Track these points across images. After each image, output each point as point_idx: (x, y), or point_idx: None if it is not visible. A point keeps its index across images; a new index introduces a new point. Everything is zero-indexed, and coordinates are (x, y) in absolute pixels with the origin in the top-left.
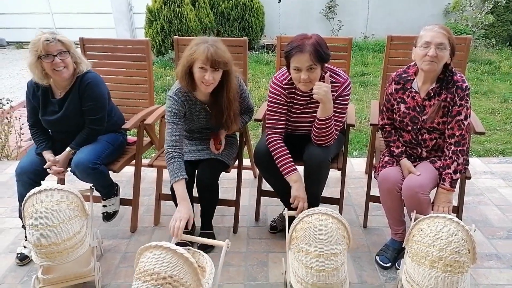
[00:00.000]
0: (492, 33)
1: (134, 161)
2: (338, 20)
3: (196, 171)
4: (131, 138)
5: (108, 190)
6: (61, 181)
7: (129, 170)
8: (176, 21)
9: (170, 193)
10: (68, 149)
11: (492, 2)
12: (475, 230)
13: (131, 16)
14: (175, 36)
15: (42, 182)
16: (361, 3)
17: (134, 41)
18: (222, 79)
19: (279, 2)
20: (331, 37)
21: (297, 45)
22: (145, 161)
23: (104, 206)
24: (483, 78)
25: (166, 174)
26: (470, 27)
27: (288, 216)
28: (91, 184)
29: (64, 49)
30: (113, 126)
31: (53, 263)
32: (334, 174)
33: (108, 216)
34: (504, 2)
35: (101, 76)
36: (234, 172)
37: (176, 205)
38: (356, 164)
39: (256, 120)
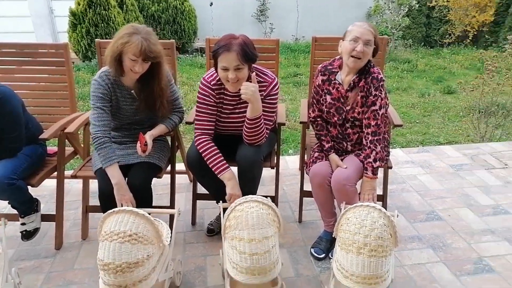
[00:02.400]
0: (409, 34)
1: (56, 173)
2: (270, 23)
3: (127, 176)
4: (51, 148)
5: (27, 206)
6: None
7: (52, 183)
8: (102, 24)
9: (99, 202)
10: None
11: (407, 6)
12: (397, 215)
13: (52, 19)
14: (96, 39)
15: None
16: (290, 7)
17: (51, 45)
18: (154, 69)
19: (210, 5)
20: (259, 38)
21: (224, 45)
22: (69, 173)
23: (23, 224)
24: (403, 75)
25: (92, 185)
26: (390, 29)
27: (223, 208)
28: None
29: None
30: (31, 138)
31: None
32: (270, 172)
33: (28, 235)
34: (417, 6)
35: (15, 83)
36: (168, 178)
37: None
38: (291, 162)
39: (187, 123)
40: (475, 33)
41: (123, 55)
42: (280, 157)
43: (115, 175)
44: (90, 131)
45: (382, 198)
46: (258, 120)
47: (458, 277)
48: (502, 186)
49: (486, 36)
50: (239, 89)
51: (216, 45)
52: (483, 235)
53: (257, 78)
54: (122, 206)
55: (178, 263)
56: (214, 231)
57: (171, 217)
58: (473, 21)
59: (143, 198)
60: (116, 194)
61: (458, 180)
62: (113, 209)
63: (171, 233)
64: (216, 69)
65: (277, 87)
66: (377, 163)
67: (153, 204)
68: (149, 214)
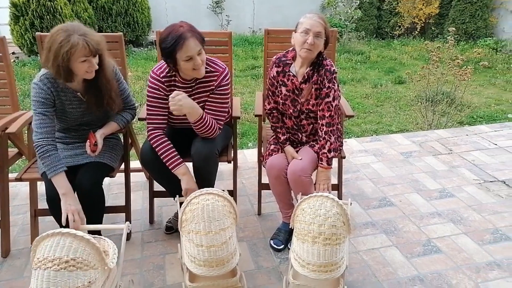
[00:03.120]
0: (361, 26)
1: None
2: (226, 15)
3: (76, 178)
4: None
5: None
6: None
7: None
8: (48, 16)
9: (48, 206)
10: None
11: None
12: (351, 203)
13: None
14: (37, 33)
15: None
16: None
17: None
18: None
19: None
20: (211, 31)
21: (179, 36)
22: (13, 175)
23: None
24: (357, 67)
25: (40, 187)
26: (343, 21)
27: (180, 203)
28: None
29: None
30: None
31: None
32: (229, 167)
33: None
34: None
35: None
36: (122, 177)
37: (57, 219)
38: (250, 155)
39: (140, 119)
40: (423, 25)
41: (71, 63)
42: (239, 150)
43: (62, 185)
44: (33, 139)
45: (338, 187)
46: (201, 120)
47: (409, 259)
48: (447, 170)
49: (433, 28)
50: (191, 79)
51: (168, 40)
52: (431, 218)
53: (207, 68)
54: (67, 217)
55: (130, 283)
56: (173, 229)
57: (127, 216)
58: (420, 13)
59: (93, 202)
60: (63, 205)
61: (408, 166)
62: (47, 232)
63: (120, 250)
64: (170, 64)
65: (228, 76)
66: (332, 153)
67: (109, 205)
68: (100, 231)
